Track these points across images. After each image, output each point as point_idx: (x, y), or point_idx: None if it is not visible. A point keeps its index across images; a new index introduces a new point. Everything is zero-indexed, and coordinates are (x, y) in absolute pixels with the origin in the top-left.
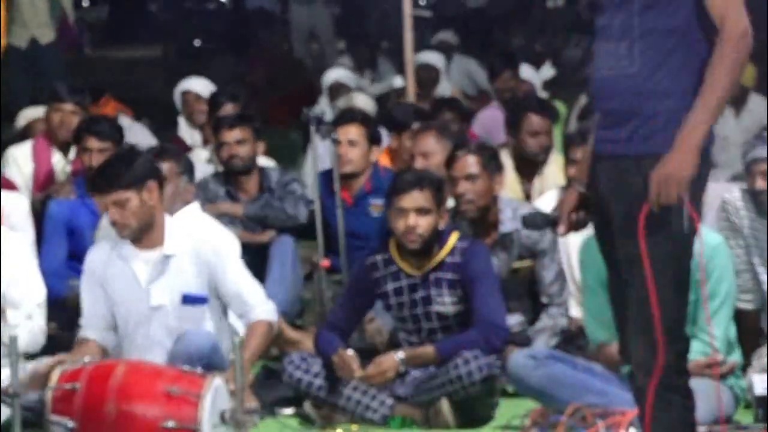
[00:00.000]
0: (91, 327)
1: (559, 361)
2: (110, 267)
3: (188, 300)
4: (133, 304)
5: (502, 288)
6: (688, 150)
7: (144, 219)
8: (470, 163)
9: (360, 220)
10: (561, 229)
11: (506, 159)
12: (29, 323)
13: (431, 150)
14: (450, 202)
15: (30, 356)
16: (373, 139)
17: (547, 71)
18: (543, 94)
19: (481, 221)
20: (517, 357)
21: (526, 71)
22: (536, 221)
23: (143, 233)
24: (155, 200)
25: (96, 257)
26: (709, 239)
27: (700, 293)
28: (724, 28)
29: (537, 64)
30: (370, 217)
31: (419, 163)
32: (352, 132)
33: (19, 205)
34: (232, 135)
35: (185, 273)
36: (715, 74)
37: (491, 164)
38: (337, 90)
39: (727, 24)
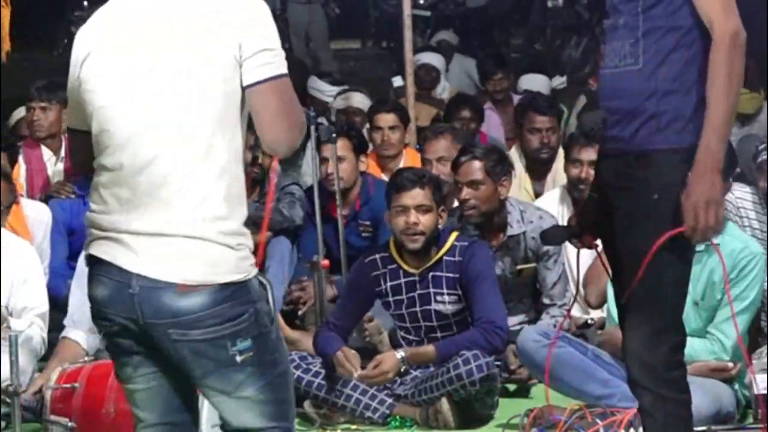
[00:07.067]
0: (76, 328)
1: (570, 344)
2: None
3: None
4: None
5: (507, 290)
6: (713, 173)
7: None
8: (474, 169)
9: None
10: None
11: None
12: (30, 332)
13: (446, 154)
14: (455, 204)
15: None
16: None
17: (559, 81)
18: None
19: (488, 225)
20: (529, 333)
21: (538, 81)
22: (555, 237)
23: None
24: None
25: None
26: (753, 246)
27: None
28: (714, 33)
29: (540, 70)
30: None
31: (435, 168)
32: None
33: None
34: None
35: None
36: (714, 89)
37: (498, 168)
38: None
39: (715, 27)
